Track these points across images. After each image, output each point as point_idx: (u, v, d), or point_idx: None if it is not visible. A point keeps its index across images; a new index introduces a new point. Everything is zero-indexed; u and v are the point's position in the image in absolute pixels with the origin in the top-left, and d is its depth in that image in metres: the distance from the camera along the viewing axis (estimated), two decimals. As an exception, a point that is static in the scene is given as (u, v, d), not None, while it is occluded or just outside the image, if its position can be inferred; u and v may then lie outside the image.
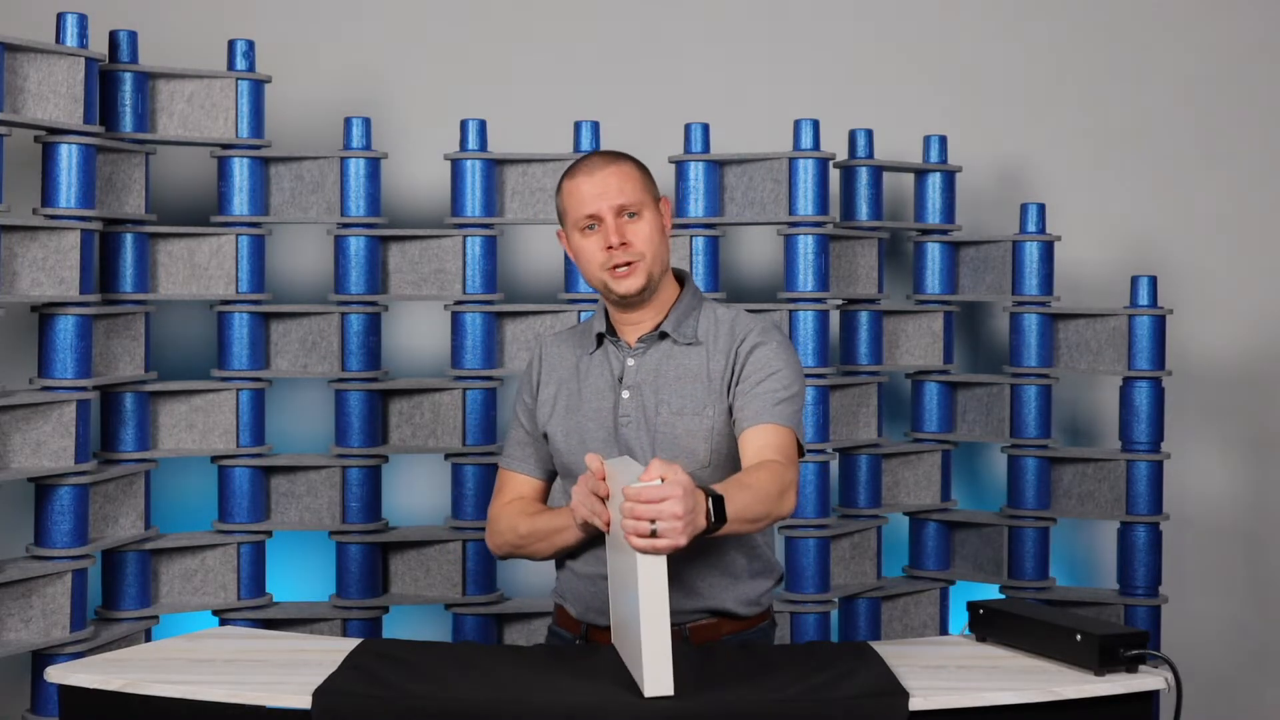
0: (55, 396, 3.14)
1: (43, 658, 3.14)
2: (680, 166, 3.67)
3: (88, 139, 3.18)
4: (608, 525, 2.24)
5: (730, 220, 3.70)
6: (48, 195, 3.17)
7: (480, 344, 3.59)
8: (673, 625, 2.18)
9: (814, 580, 3.63)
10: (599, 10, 4.05)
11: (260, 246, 3.53)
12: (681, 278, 2.56)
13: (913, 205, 3.94)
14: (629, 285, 2.42)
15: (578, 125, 3.65)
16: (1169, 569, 3.80)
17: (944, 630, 3.87)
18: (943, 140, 3.88)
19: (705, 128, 3.68)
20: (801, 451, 2.41)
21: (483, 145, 3.61)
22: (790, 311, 3.66)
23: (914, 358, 3.91)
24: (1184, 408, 3.99)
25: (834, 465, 3.78)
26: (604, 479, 2.23)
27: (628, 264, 2.41)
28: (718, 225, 3.70)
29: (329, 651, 2.32)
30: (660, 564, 2.00)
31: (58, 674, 2.19)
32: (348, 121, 3.57)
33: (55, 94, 3.14)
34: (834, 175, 3.78)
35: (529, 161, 3.65)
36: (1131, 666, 2.18)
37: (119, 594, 3.38)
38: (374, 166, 3.56)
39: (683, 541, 2.01)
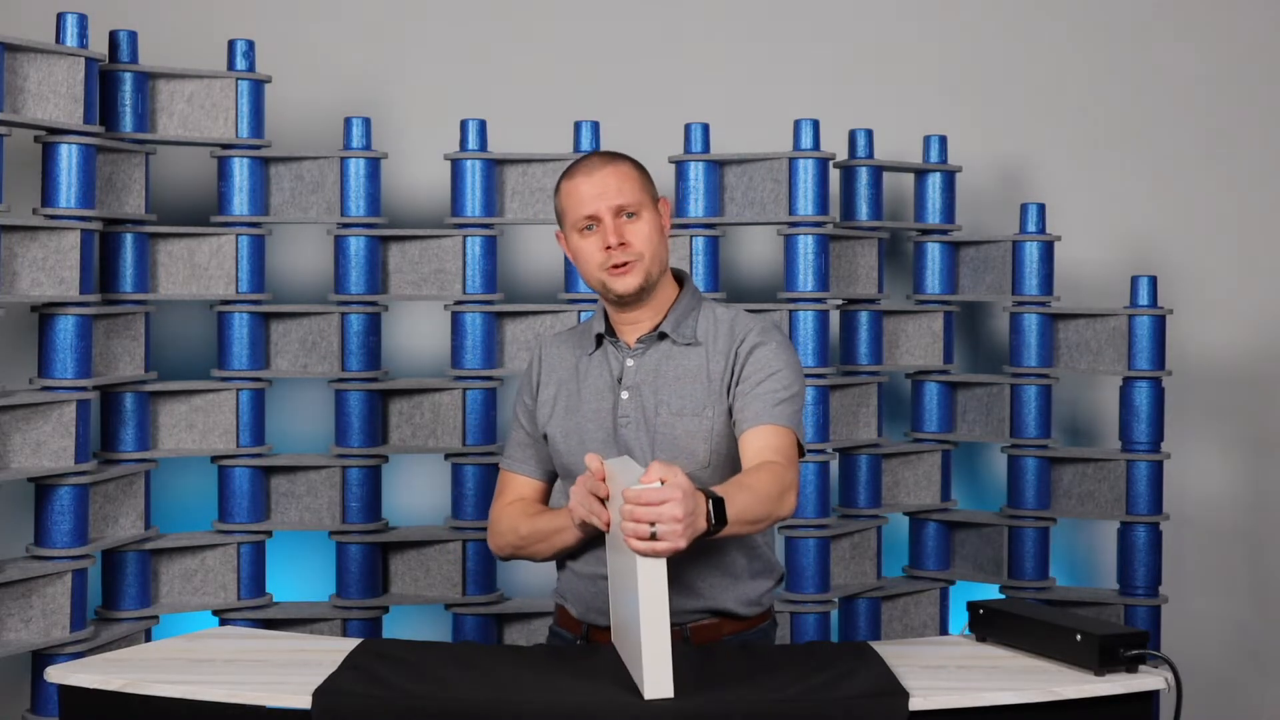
0: (55, 396, 3.14)
1: (43, 658, 3.14)
2: (680, 166, 3.67)
3: (88, 139, 3.18)
4: (607, 525, 2.24)
5: (730, 220, 3.70)
6: (48, 195, 3.17)
7: (480, 344, 3.59)
8: (673, 625, 2.18)
9: (814, 580, 3.63)
10: (599, 10, 4.05)
11: (260, 246, 3.53)
12: (681, 278, 2.56)
13: (913, 205, 3.94)
14: (627, 284, 2.42)
15: (578, 125, 3.65)
16: (1169, 569, 3.80)
17: (944, 630, 3.87)
18: (943, 140, 3.88)
19: (705, 128, 3.68)
20: (802, 452, 2.41)
21: (483, 145, 3.61)
22: (790, 311, 3.66)
23: (914, 358, 3.91)
24: (1184, 408, 3.99)
25: (834, 465, 3.78)
26: (603, 479, 2.23)
27: (626, 264, 2.41)
28: (718, 225, 3.70)
29: (329, 651, 2.32)
30: (660, 566, 2.00)
31: (58, 674, 2.19)
32: (348, 121, 3.57)
33: (55, 94, 3.14)
34: (834, 175, 3.78)
35: (529, 161, 3.65)
36: (1131, 666, 2.18)
37: (119, 594, 3.38)
38: (374, 166, 3.56)
39: (682, 544, 2.00)
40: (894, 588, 3.83)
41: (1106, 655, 2.16)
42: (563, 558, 2.53)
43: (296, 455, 3.63)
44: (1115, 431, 3.87)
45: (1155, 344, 3.71)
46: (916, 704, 2.06)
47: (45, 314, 3.18)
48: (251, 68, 3.51)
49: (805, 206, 3.63)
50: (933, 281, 3.89)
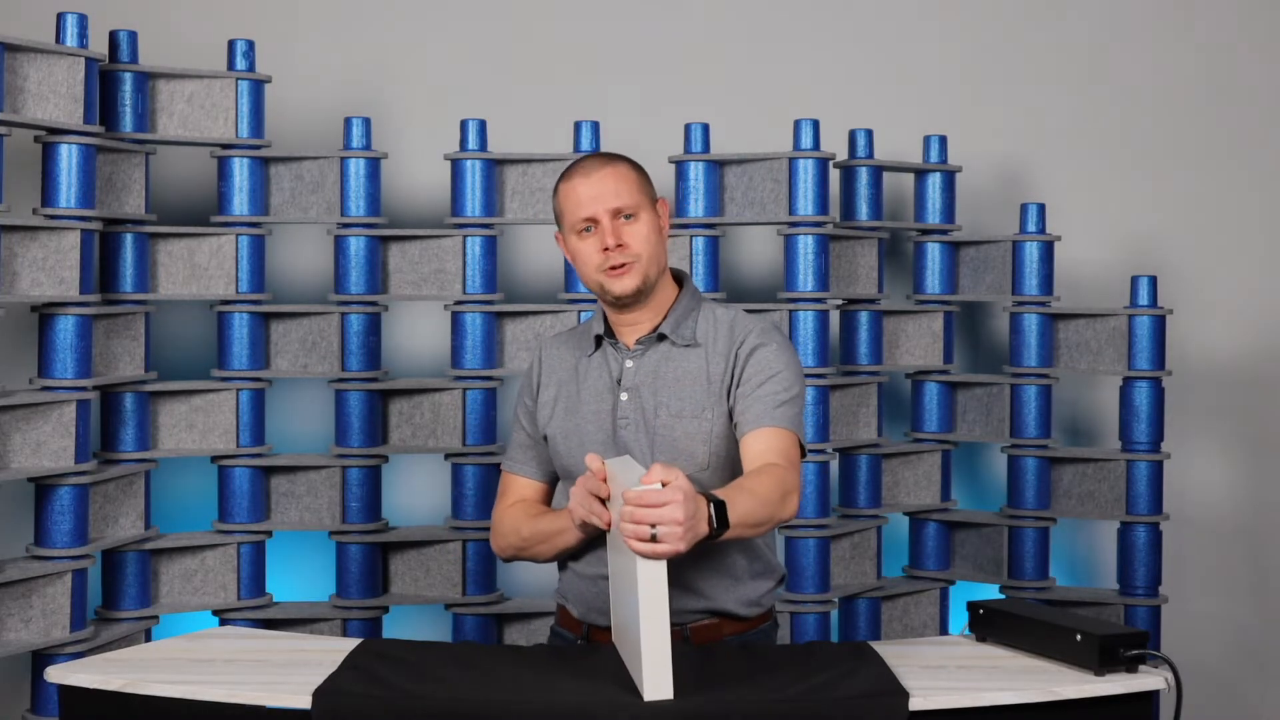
0: (55, 396, 3.14)
1: (43, 658, 3.14)
2: (680, 166, 3.67)
3: (88, 139, 3.18)
4: (608, 525, 2.23)
5: (730, 220, 3.70)
6: (48, 195, 3.17)
7: (480, 344, 3.59)
8: (674, 625, 2.18)
9: (814, 580, 3.63)
10: (599, 10, 4.05)
11: (260, 246, 3.53)
12: (680, 278, 2.56)
13: (913, 205, 3.94)
14: (624, 286, 2.42)
15: (578, 125, 3.65)
16: (1169, 569, 3.80)
17: (944, 630, 3.87)
18: (943, 140, 3.88)
19: (705, 128, 3.68)
20: (804, 452, 2.41)
21: (483, 145, 3.61)
22: (790, 311, 3.66)
23: (914, 358, 3.91)
24: (1184, 408, 3.99)
25: (834, 465, 3.78)
26: (604, 479, 2.23)
27: (623, 265, 2.41)
28: (718, 225, 3.70)
29: (329, 651, 2.32)
30: (660, 567, 2.00)
31: (58, 674, 2.19)
32: (348, 121, 3.57)
33: (55, 94, 3.14)
34: (834, 175, 3.78)
35: (529, 161, 3.65)
36: (1131, 666, 2.18)
37: (119, 594, 3.38)
38: (374, 166, 3.56)
39: (682, 548, 2.00)
40: (894, 588, 3.83)
41: (1106, 655, 2.16)
42: (564, 558, 2.53)
43: (296, 455, 3.63)
44: (1115, 431, 3.87)
45: (1155, 344, 3.71)
46: (916, 704, 2.06)
47: (45, 314, 3.18)
48: (251, 68, 3.51)
49: (805, 206, 3.63)
50: (933, 281, 3.89)
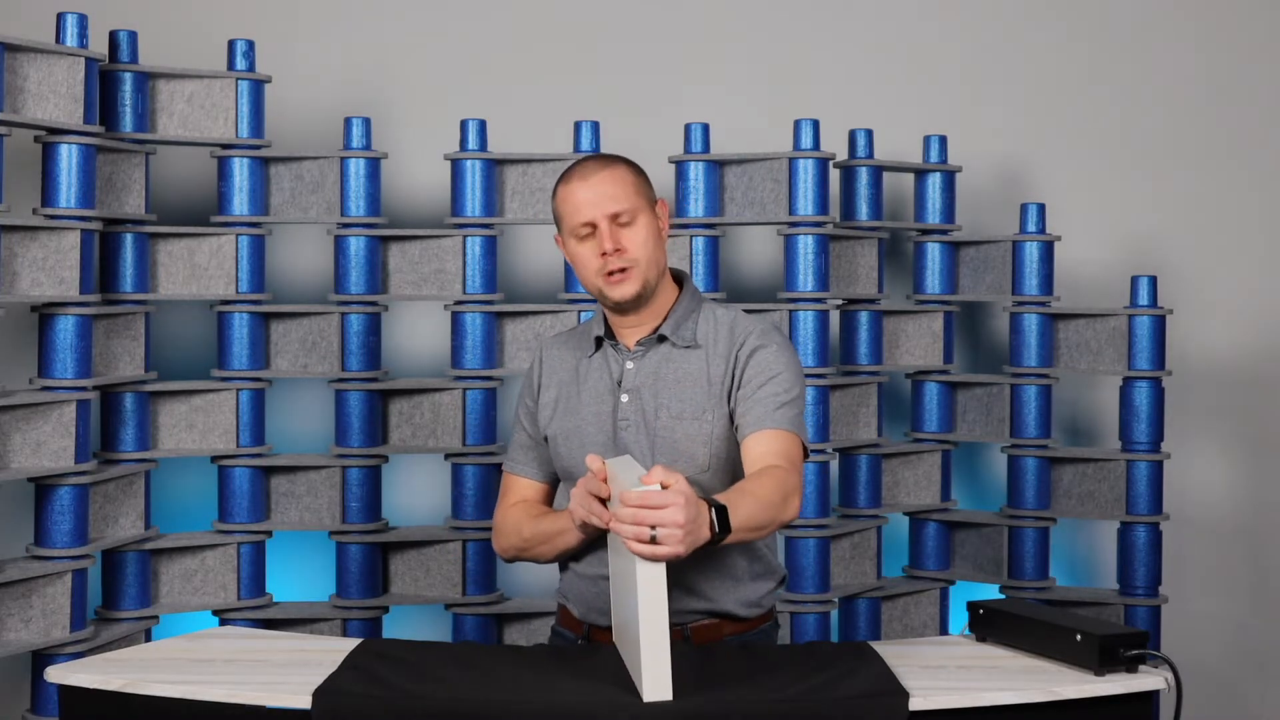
0: (55, 396, 3.14)
1: (43, 658, 3.14)
2: (680, 166, 3.67)
3: (88, 139, 3.18)
4: (608, 525, 2.23)
5: (730, 220, 3.70)
6: (48, 195, 3.17)
7: (480, 344, 3.59)
8: (674, 626, 2.18)
9: (814, 580, 3.63)
10: (599, 11, 4.05)
11: (260, 246, 3.53)
12: (680, 279, 2.55)
13: (913, 205, 3.93)
14: (623, 291, 2.42)
15: (578, 125, 3.65)
16: (1169, 569, 3.80)
17: (944, 630, 3.87)
18: (943, 140, 3.88)
19: (705, 128, 3.68)
20: (806, 453, 2.40)
21: (483, 145, 3.61)
22: (790, 311, 3.66)
23: (914, 358, 3.91)
24: (1184, 408, 3.99)
25: (834, 465, 3.78)
26: (604, 480, 2.23)
27: (622, 270, 2.41)
28: (718, 225, 3.70)
29: (329, 651, 2.32)
30: (659, 569, 2.00)
31: (58, 674, 2.19)
32: (348, 121, 3.57)
33: (55, 94, 3.14)
34: (834, 175, 3.78)
35: (529, 161, 3.65)
36: (1131, 666, 2.18)
37: (119, 594, 3.38)
38: (374, 166, 3.56)
39: (682, 550, 2.00)
40: (894, 588, 3.83)
41: (1106, 655, 2.16)
42: (565, 559, 2.53)
43: (296, 455, 3.63)
44: (1115, 431, 3.87)
45: (1155, 344, 3.71)
46: (916, 704, 2.06)
47: (45, 314, 3.18)
48: (251, 68, 3.51)
49: (805, 206, 3.63)
50: (933, 281, 3.89)
